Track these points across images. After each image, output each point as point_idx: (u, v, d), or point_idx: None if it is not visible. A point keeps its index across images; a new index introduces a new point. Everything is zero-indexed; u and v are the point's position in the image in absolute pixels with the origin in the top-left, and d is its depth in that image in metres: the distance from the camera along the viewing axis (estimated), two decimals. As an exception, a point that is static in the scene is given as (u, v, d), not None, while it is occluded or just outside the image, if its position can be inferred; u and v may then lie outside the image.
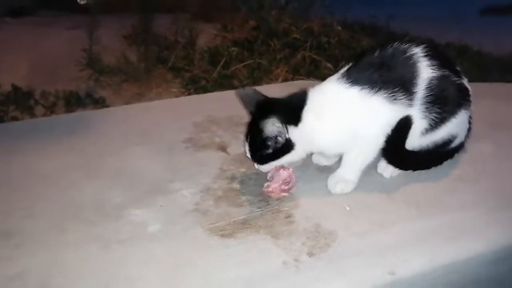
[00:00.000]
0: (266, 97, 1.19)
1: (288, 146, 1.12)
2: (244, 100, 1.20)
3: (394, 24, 3.49)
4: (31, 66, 2.72)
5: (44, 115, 2.19)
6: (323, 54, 2.58)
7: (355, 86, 1.10)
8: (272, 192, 1.13)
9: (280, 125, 1.09)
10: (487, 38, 3.18)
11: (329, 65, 2.50)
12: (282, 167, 1.15)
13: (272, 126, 1.09)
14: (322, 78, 2.20)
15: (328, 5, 2.97)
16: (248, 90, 1.20)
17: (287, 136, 1.11)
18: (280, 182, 1.13)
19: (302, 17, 3.02)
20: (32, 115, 2.17)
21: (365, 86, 1.09)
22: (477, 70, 2.42)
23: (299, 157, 1.17)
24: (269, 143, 1.11)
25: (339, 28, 2.89)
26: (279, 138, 1.11)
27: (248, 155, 1.16)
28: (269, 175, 1.17)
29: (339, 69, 1.21)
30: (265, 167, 1.16)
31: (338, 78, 1.13)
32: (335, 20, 2.91)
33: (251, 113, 1.18)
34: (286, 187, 1.13)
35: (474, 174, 1.23)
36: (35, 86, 2.37)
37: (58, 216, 1.10)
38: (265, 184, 1.14)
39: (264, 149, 1.13)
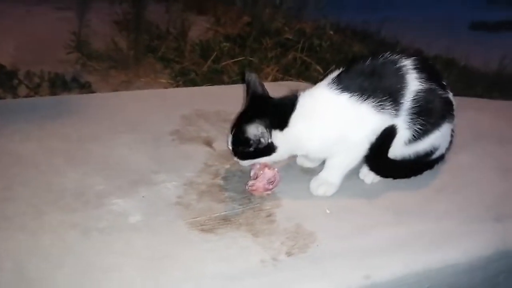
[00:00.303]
0: (261, 92, 1.18)
1: (269, 149, 1.13)
2: (248, 86, 1.19)
3: (386, 31, 3.54)
4: (16, 44, 2.64)
5: (27, 95, 2.15)
6: (314, 56, 2.59)
7: (345, 93, 1.11)
8: (255, 190, 1.14)
9: (264, 130, 1.10)
10: (474, 52, 3.25)
11: (319, 67, 2.51)
12: (267, 165, 1.16)
13: (255, 130, 1.10)
14: (312, 80, 2.23)
15: (322, 7, 2.98)
16: (253, 77, 1.18)
17: (269, 140, 1.12)
18: (265, 181, 1.14)
19: (295, 18, 3.03)
20: (15, 95, 2.13)
21: (355, 94, 1.11)
22: (463, 84, 2.47)
23: (281, 158, 1.18)
24: (251, 142, 1.12)
25: (331, 32, 2.91)
26: (262, 140, 1.12)
27: (230, 147, 1.16)
28: (252, 172, 1.18)
29: (329, 73, 1.22)
30: (244, 163, 1.17)
31: (329, 84, 1.14)
32: (328, 23, 2.93)
33: (247, 97, 1.18)
34: (270, 187, 1.15)
35: (453, 185, 1.26)
36: (19, 65, 2.32)
37: (36, 200, 1.08)
38: (249, 183, 1.15)
39: (246, 147, 1.13)
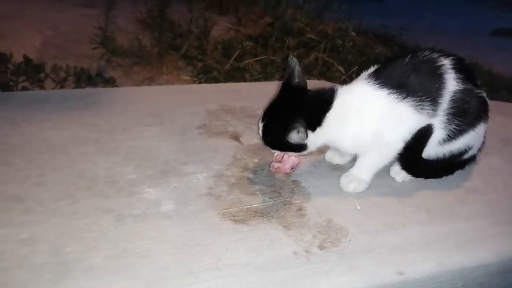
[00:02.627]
0: (298, 82, 1.13)
1: (300, 147, 1.12)
2: (288, 70, 1.15)
3: (406, 36, 3.53)
4: (43, 39, 2.70)
5: (53, 89, 2.19)
6: (336, 57, 2.59)
7: (384, 89, 1.10)
8: (277, 173, 1.20)
9: (304, 133, 1.07)
10: (497, 59, 3.22)
11: (341, 68, 2.51)
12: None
13: (297, 135, 1.08)
14: (334, 80, 2.22)
15: (345, 9, 2.98)
16: (294, 62, 1.13)
17: (305, 141, 1.11)
18: (289, 165, 1.19)
19: (317, 19, 3.04)
20: (42, 88, 2.17)
21: (394, 91, 1.09)
22: (487, 88, 2.43)
23: (309, 153, 1.18)
24: (285, 139, 1.10)
25: (354, 33, 2.90)
26: (298, 140, 1.10)
27: (260, 133, 1.15)
28: (275, 154, 1.20)
29: (351, 74, 1.21)
30: (273, 150, 1.18)
31: (367, 79, 1.13)
32: (351, 25, 2.93)
33: (283, 84, 1.16)
34: (290, 171, 1.20)
35: (484, 186, 1.24)
36: (46, 59, 2.36)
37: (70, 187, 1.09)
38: (275, 165, 1.19)
39: (278, 140, 1.12)
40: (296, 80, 1.14)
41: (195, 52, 2.66)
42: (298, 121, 1.06)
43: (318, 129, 1.11)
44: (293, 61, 1.14)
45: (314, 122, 1.10)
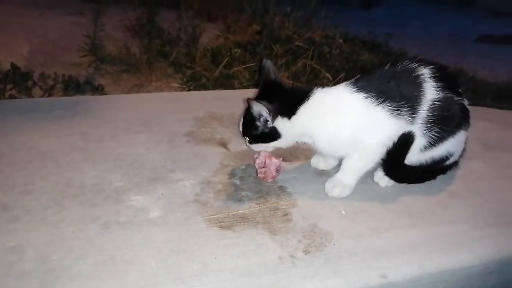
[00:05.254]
0: (274, 79, 1.21)
1: (274, 134, 1.16)
2: (262, 72, 1.23)
3: (393, 43, 3.59)
4: (31, 47, 2.70)
5: (41, 97, 2.18)
6: (323, 64, 2.62)
7: (361, 93, 1.13)
8: (265, 177, 1.23)
9: (265, 109, 1.11)
10: (481, 64, 3.29)
11: (328, 75, 2.54)
12: (271, 156, 1.23)
13: (258, 107, 1.12)
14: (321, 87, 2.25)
15: (332, 17, 3.03)
16: (268, 63, 1.22)
17: (271, 124, 1.15)
18: (273, 169, 1.22)
19: (305, 26, 3.08)
20: (30, 96, 2.16)
21: (371, 95, 1.12)
22: (472, 94, 2.49)
23: (287, 145, 1.21)
24: (258, 125, 1.15)
25: (341, 41, 2.95)
26: (263, 121, 1.15)
27: (240, 129, 1.21)
28: (257, 161, 1.24)
29: (338, 80, 1.25)
30: (253, 147, 1.22)
31: (346, 84, 1.17)
32: (338, 32, 2.97)
33: (261, 83, 1.22)
34: (276, 174, 1.24)
35: (466, 191, 1.27)
36: (34, 67, 2.36)
37: (57, 195, 1.10)
38: (262, 170, 1.22)
39: (253, 130, 1.17)
40: (273, 76, 1.21)
41: (184, 59, 2.67)
42: (264, 100, 1.11)
43: (293, 117, 1.15)
44: (268, 62, 1.22)
45: (288, 110, 1.15)
